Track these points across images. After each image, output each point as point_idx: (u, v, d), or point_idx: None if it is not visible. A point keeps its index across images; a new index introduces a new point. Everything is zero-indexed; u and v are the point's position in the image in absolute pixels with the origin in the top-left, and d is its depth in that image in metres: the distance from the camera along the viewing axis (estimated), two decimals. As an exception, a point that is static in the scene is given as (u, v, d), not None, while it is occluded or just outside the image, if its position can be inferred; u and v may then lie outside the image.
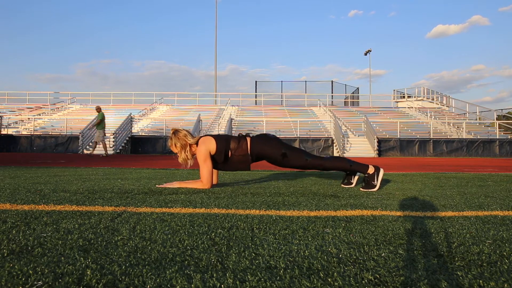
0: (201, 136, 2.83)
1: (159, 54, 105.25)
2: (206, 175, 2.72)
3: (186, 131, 2.86)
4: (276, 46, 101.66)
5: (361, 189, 2.82)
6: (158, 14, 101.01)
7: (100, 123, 11.62)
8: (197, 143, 2.80)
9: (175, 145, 2.80)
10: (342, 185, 3.06)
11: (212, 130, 18.20)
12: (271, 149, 2.77)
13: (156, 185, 2.89)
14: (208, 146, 2.72)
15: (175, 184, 2.83)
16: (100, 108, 12.05)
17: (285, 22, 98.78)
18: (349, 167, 2.89)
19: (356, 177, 3.00)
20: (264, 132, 2.94)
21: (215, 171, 2.98)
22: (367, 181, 2.83)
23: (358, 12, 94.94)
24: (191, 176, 3.88)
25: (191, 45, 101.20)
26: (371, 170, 2.84)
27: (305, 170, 2.95)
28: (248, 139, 2.81)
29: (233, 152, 2.75)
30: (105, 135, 11.83)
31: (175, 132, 2.83)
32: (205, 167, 2.71)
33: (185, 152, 2.80)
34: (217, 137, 2.78)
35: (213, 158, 2.77)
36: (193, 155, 2.84)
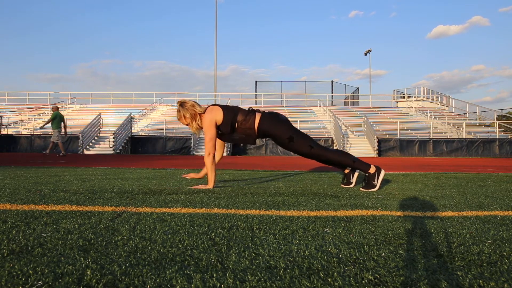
0: (210, 105, 2.82)
1: (160, 54, 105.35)
2: (208, 142, 2.71)
3: (193, 101, 2.85)
4: (277, 46, 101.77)
5: (361, 189, 2.82)
6: (159, 14, 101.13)
7: (53, 122, 11.16)
8: (205, 112, 2.79)
9: (184, 116, 2.80)
10: (342, 185, 3.06)
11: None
12: (279, 130, 2.76)
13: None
14: (214, 116, 2.72)
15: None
16: (56, 108, 11.55)
17: (286, 23, 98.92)
18: (352, 164, 2.87)
19: (356, 175, 3.00)
20: (277, 112, 2.91)
21: (220, 146, 3.01)
22: (367, 181, 2.83)
23: (359, 13, 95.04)
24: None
25: (192, 45, 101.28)
26: (372, 169, 2.84)
27: (308, 159, 2.94)
28: (258, 115, 2.79)
29: (239, 124, 2.75)
30: (60, 135, 11.22)
31: (182, 103, 2.82)
32: (208, 135, 2.71)
33: (195, 122, 2.79)
34: (225, 108, 2.77)
35: (219, 128, 2.76)
36: None
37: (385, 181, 3.49)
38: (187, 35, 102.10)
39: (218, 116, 2.72)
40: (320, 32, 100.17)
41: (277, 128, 2.76)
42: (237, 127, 2.76)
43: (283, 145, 2.82)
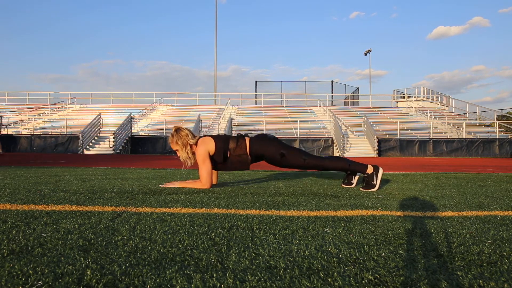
0: (201, 137, 2.86)
1: (162, 55, 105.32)
2: (205, 176, 2.74)
3: (188, 130, 2.87)
4: (278, 47, 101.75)
5: (361, 189, 2.82)
6: (161, 14, 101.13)
7: None
8: (196, 144, 2.82)
9: (176, 142, 2.83)
10: (342, 185, 3.06)
11: (212, 130, 18.21)
12: (270, 149, 2.80)
13: (160, 185, 2.92)
14: (207, 147, 2.75)
15: (176, 184, 2.86)
16: None
17: (287, 24, 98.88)
18: (348, 167, 2.90)
19: (357, 177, 3.01)
20: (264, 132, 2.96)
21: (214, 171, 3.00)
22: (367, 181, 2.83)
23: (360, 14, 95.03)
24: (191, 176, 3.88)
25: (194, 46, 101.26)
26: (370, 170, 2.84)
27: (305, 170, 2.96)
28: (247, 139, 2.84)
29: (232, 152, 2.78)
30: None
31: (177, 130, 2.86)
32: (204, 167, 2.74)
33: (185, 151, 2.82)
34: (216, 138, 2.81)
35: (212, 158, 2.80)
36: (194, 153, 2.87)
37: (385, 181, 3.49)
38: (188, 35, 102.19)
39: (210, 146, 2.76)
40: (321, 33, 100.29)
41: (267, 147, 2.80)
42: (229, 155, 2.78)
43: (277, 162, 2.84)
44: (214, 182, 3.02)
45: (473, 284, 0.89)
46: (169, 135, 2.91)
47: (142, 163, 6.92)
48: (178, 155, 2.86)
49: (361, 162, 2.96)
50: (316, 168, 2.87)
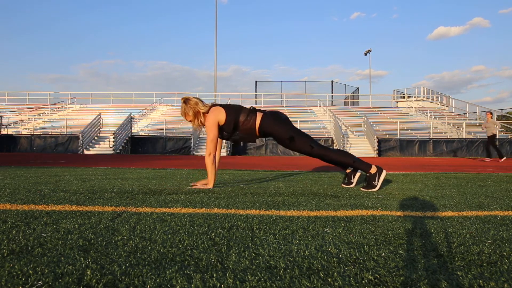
0: (213, 105, 2.85)
1: (162, 55, 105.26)
2: (209, 144, 2.76)
3: (197, 98, 2.87)
4: (278, 47, 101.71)
5: (361, 188, 2.82)
6: (161, 14, 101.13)
7: None
8: (208, 112, 2.82)
9: (187, 113, 2.84)
10: (342, 185, 3.06)
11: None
12: (280, 130, 2.79)
13: (191, 185, 2.97)
14: (216, 116, 2.76)
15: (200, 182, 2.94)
16: None
17: (287, 24, 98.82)
18: (352, 163, 2.88)
19: (357, 175, 2.99)
20: (277, 110, 2.97)
21: (218, 147, 3.01)
22: (368, 181, 2.83)
23: (360, 14, 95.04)
24: (191, 176, 3.88)
25: (194, 46, 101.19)
26: (373, 170, 2.83)
27: (312, 159, 2.98)
28: (259, 115, 2.81)
29: (241, 124, 2.78)
30: None
31: (186, 100, 2.85)
32: (210, 135, 2.75)
33: (198, 120, 2.84)
34: (227, 108, 2.80)
35: (222, 128, 2.79)
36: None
37: (385, 181, 3.49)
38: (188, 35, 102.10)
39: (220, 116, 2.75)
40: (321, 33, 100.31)
41: (278, 128, 2.78)
42: (239, 126, 2.79)
43: (284, 144, 2.84)
44: (217, 158, 2.99)
45: (473, 284, 0.89)
46: (180, 106, 2.90)
47: (142, 163, 6.93)
48: (192, 125, 2.88)
49: (366, 161, 2.95)
50: (321, 157, 2.85)
